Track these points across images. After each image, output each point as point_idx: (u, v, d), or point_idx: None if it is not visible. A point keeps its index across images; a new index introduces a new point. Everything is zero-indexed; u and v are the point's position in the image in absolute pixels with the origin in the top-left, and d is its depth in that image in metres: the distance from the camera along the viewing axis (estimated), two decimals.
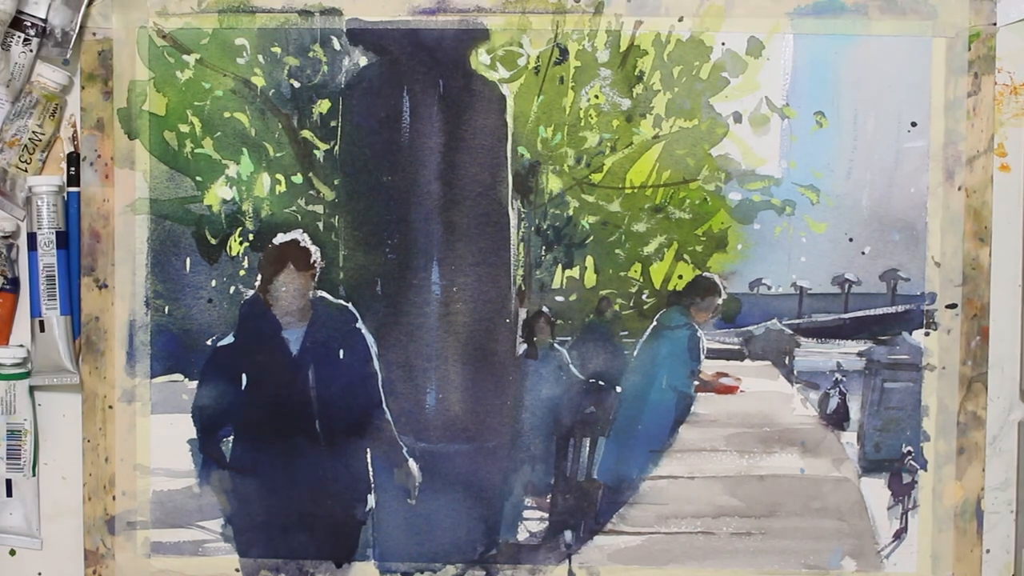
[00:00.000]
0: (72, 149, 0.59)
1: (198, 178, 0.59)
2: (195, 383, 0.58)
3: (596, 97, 0.58)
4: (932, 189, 0.58)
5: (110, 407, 0.58)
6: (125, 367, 0.58)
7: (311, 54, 0.58)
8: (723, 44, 0.58)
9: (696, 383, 0.59)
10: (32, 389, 0.58)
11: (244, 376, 0.58)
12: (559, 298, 0.58)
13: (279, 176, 0.58)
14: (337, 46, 0.58)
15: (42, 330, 0.57)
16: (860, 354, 0.58)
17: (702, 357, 0.59)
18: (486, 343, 0.58)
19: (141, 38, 0.58)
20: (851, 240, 0.58)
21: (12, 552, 0.59)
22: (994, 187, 0.58)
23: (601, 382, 0.59)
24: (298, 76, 0.58)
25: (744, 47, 0.58)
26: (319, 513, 0.58)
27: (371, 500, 0.58)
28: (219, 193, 0.58)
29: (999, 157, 0.58)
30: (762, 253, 0.58)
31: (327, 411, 0.58)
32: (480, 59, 0.58)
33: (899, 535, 0.58)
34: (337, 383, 0.58)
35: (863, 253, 0.58)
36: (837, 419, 0.59)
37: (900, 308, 0.58)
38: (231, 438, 0.59)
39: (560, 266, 0.58)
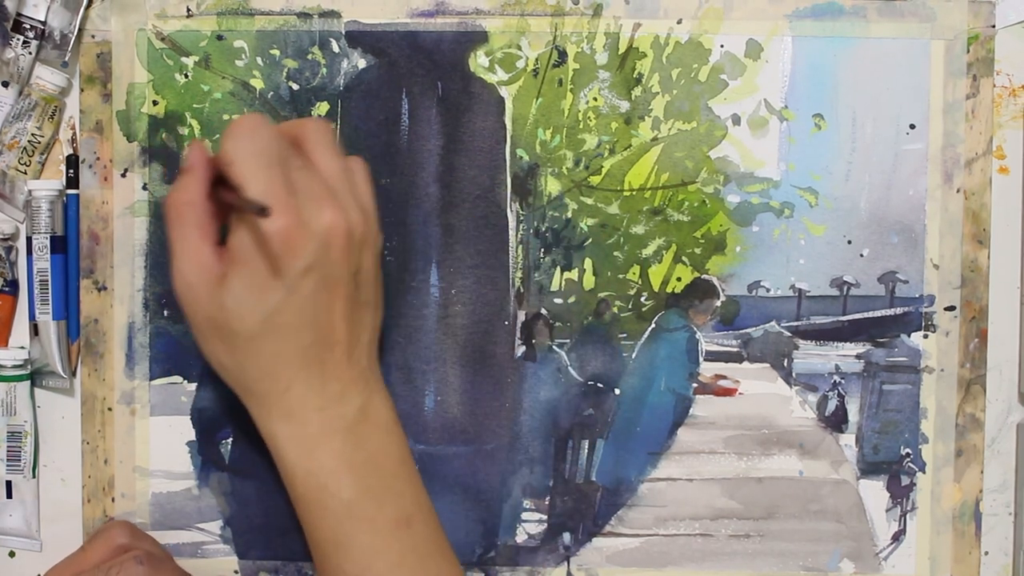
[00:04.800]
0: (71, 151, 0.59)
1: None
2: (194, 385, 0.59)
3: (595, 99, 0.58)
4: (931, 191, 0.58)
5: (109, 409, 0.58)
6: (124, 369, 0.59)
7: (310, 56, 0.58)
8: (722, 46, 0.58)
9: (695, 385, 0.59)
10: (32, 391, 0.58)
11: None
12: (558, 300, 0.59)
13: None
14: (336, 48, 0.58)
15: (35, 334, 0.58)
16: (859, 356, 0.58)
17: (701, 359, 0.59)
18: (485, 345, 0.59)
19: (140, 40, 0.58)
20: (849, 242, 0.58)
21: (12, 554, 0.59)
22: (993, 189, 0.58)
23: (600, 384, 0.59)
24: (297, 78, 0.58)
25: (743, 49, 0.58)
26: None
27: None
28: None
29: (998, 159, 0.58)
30: (761, 255, 0.58)
31: None
32: (479, 61, 0.58)
33: (897, 537, 0.59)
34: None
35: (862, 255, 0.58)
36: (835, 421, 0.59)
37: (899, 310, 0.58)
38: (230, 440, 0.59)
39: (559, 268, 0.59)
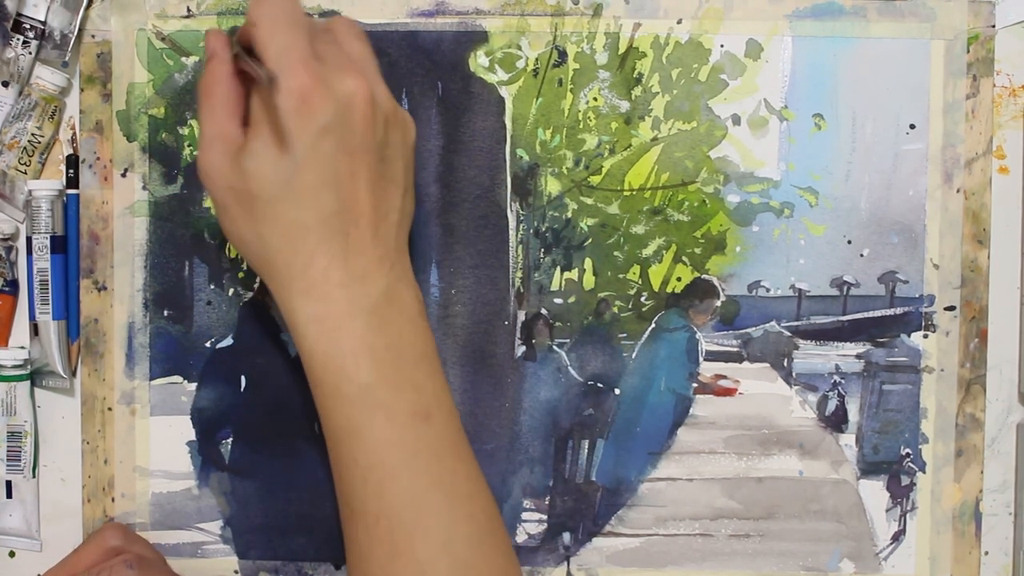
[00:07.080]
0: (71, 151, 0.59)
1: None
2: (194, 385, 0.59)
3: (595, 99, 0.58)
4: (931, 191, 0.58)
5: (109, 409, 0.58)
6: (124, 369, 0.59)
7: None
8: (722, 46, 0.58)
9: (695, 385, 0.59)
10: (32, 391, 0.58)
11: (243, 378, 0.59)
12: (558, 300, 0.59)
13: None
14: None
15: (35, 334, 0.58)
16: (859, 356, 0.58)
17: (701, 359, 0.59)
18: (485, 345, 0.59)
19: (140, 40, 0.58)
20: (849, 242, 0.58)
21: (12, 554, 0.59)
22: (993, 189, 0.58)
23: (600, 384, 0.59)
24: None
25: (743, 49, 0.58)
26: (318, 515, 0.58)
27: None
28: None
29: (998, 159, 0.58)
30: (761, 255, 0.58)
31: None
32: (479, 61, 0.58)
33: (897, 537, 0.59)
34: None
35: (862, 255, 0.58)
36: (835, 421, 0.59)
37: (899, 310, 0.58)
38: (230, 440, 0.59)
39: (559, 268, 0.59)
